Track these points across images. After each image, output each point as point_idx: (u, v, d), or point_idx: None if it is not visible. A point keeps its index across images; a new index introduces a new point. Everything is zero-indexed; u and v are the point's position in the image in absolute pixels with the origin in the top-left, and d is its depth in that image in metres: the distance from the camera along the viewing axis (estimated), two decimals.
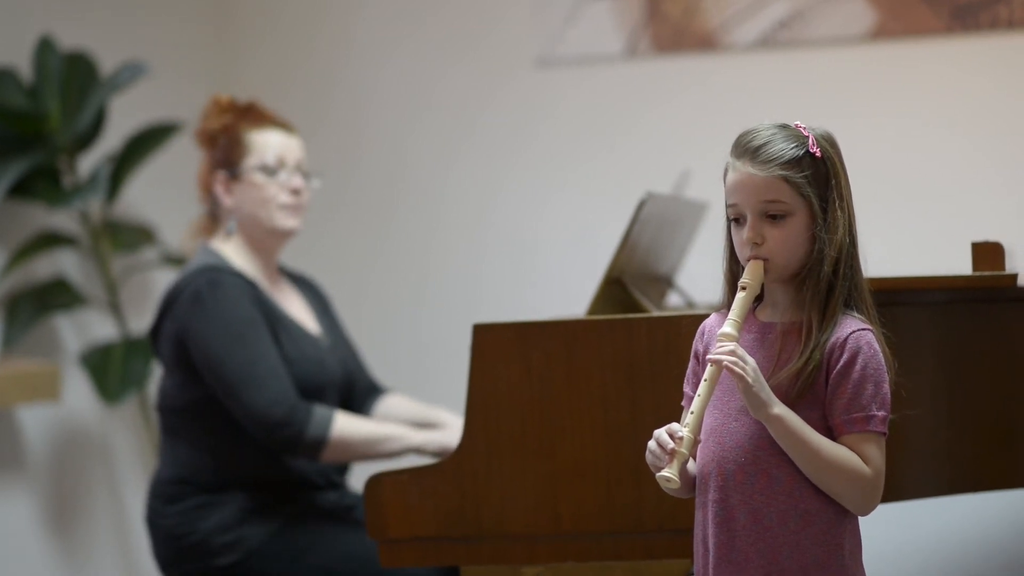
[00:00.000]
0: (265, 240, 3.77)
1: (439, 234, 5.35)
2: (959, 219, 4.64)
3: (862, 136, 4.55)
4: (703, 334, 2.53)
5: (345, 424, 3.58)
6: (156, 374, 4.78)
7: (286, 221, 3.75)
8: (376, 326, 5.21)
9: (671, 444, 2.36)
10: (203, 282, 3.61)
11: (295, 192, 3.75)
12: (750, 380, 2.34)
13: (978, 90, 4.69)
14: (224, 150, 3.75)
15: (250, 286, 3.66)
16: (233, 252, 3.75)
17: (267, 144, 3.75)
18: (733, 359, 2.34)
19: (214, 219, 3.80)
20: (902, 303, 2.79)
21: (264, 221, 3.74)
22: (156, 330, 3.71)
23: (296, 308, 3.84)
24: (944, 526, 3.26)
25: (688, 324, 2.61)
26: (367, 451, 3.61)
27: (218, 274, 3.63)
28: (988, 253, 2.91)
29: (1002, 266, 2.91)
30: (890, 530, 3.03)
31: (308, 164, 3.84)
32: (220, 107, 3.79)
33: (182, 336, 3.62)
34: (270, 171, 3.73)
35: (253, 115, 3.79)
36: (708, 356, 2.40)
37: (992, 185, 4.67)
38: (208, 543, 3.62)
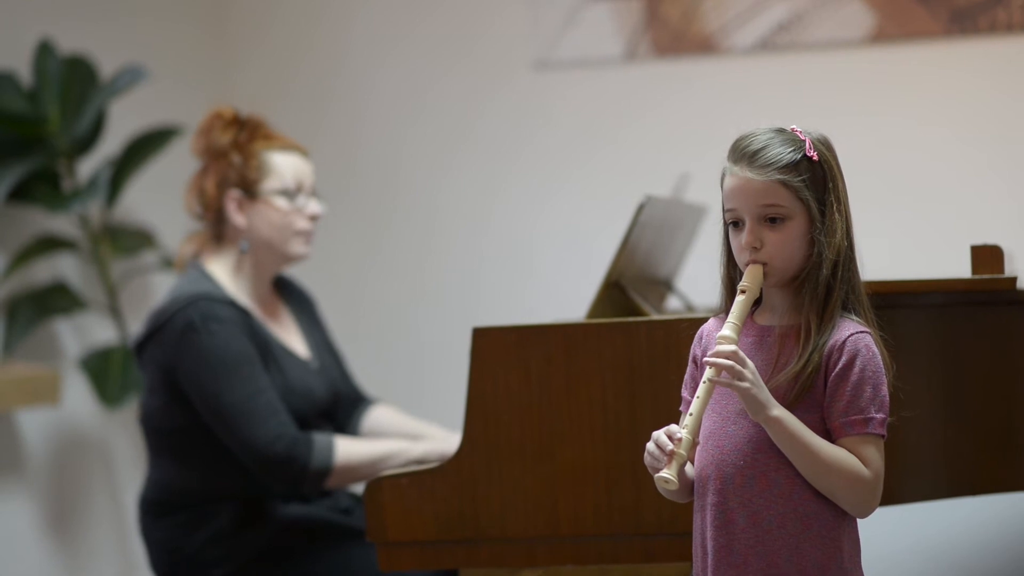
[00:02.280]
0: (272, 263, 3.72)
1: (437, 238, 5.35)
2: (958, 222, 4.65)
3: (861, 139, 4.55)
4: (701, 338, 2.53)
5: (347, 449, 3.54)
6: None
7: (300, 248, 3.71)
8: (374, 330, 5.21)
9: (670, 446, 2.37)
10: (195, 313, 3.53)
11: (312, 219, 3.72)
12: (748, 385, 2.34)
13: (977, 93, 4.69)
14: (239, 168, 3.66)
15: (243, 316, 3.59)
16: (227, 275, 3.68)
17: (286, 167, 3.69)
18: (730, 364, 2.35)
19: (217, 236, 3.72)
20: (901, 306, 2.80)
21: (278, 246, 3.68)
22: (141, 347, 3.63)
23: (287, 331, 3.78)
24: (943, 529, 3.26)
25: (687, 327, 2.61)
26: (371, 472, 3.53)
27: (210, 305, 3.55)
28: (987, 256, 2.91)
29: (1001, 269, 2.91)
30: (888, 533, 3.03)
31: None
32: (224, 120, 3.71)
33: (171, 366, 3.55)
34: (290, 195, 3.68)
35: (264, 134, 3.72)
36: (705, 359, 2.40)
37: (991, 188, 4.67)
38: (202, 556, 3.59)
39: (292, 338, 3.78)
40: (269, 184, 3.67)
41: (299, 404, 3.64)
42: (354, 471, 3.55)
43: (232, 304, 3.59)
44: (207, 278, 3.65)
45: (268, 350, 3.62)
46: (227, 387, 3.50)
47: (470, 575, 3.11)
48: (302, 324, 3.84)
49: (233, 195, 3.67)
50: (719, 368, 2.35)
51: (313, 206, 3.72)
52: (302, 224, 3.70)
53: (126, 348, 4.94)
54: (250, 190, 3.67)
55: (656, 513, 2.89)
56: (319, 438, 3.53)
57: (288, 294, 3.87)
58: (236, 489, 3.62)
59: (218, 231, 3.72)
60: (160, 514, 3.64)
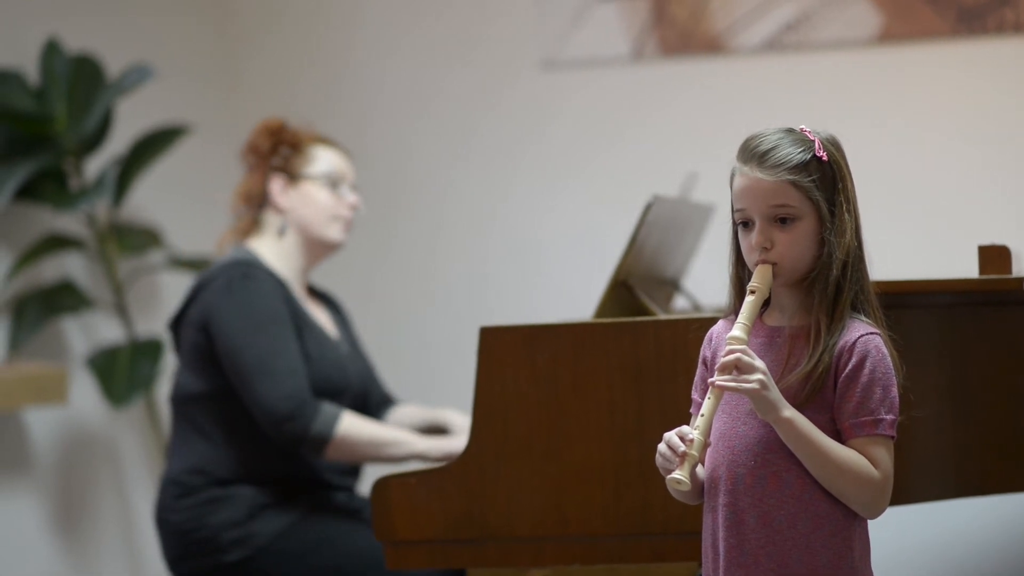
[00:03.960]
0: (310, 248, 3.83)
1: (444, 237, 5.35)
2: (965, 222, 4.64)
3: (868, 139, 4.55)
4: (711, 340, 2.53)
5: (351, 424, 3.60)
6: (164, 375, 4.79)
7: (338, 234, 3.83)
8: (382, 329, 5.21)
9: (682, 447, 2.37)
10: (236, 273, 3.66)
11: (353, 208, 3.85)
12: (757, 387, 2.34)
13: (984, 93, 4.69)
14: (285, 157, 3.82)
15: (281, 285, 3.71)
16: (270, 252, 3.80)
17: (330, 157, 3.85)
18: (737, 377, 2.35)
19: (255, 223, 3.84)
20: (908, 306, 2.79)
21: (318, 229, 3.81)
22: (179, 318, 3.75)
23: (320, 314, 3.89)
24: (950, 529, 3.27)
25: (696, 329, 2.61)
26: (371, 453, 3.64)
27: (251, 268, 3.68)
28: (995, 256, 2.91)
29: (1008, 269, 2.91)
30: (896, 533, 3.03)
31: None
32: (270, 129, 3.86)
33: (207, 321, 3.66)
34: (333, 182, 3.82)
35: (311, 134, 3.88)
36: (712, 378, 2.39)
37: (999, 188, 4.67)
38: (217, 539, 3.64)
39: (324, 321, 3.88)
40: (313, 168, 3.82)
41: (331, 373, 3.73)
42: (354, 447, 3.62)
43: (271, 273, 3.72)
44: (247, 252, 3.77)
45: (302, 319, 3.73)
46: (252, 342, 3.61)
47: (478, 574, 3.11)
48: (335, 321, 3.94)
49: (277, 179, 3.81)
50: (732, 364, 2.35)
51: (353, 196, 3.86)
52: (341, 210, 3.83)
53: (133, 347, 4.94)
54: (294, 173, 3.81)
55: (664, 513, 2.89)
56: (327, 407, 3.60)
57: (326, 302, 3.99)
58: (259, 468, 3.68)
59: (257, 217, 3.85)
60: (182, 493, 3.69)
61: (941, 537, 3.26)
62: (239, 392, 3.63)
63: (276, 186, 3.80)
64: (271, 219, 3.82)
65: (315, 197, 3.80)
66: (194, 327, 3.70)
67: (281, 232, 3.80)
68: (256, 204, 3.84)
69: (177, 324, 3.76)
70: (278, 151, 3.83)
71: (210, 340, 3.67)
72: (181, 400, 3.75)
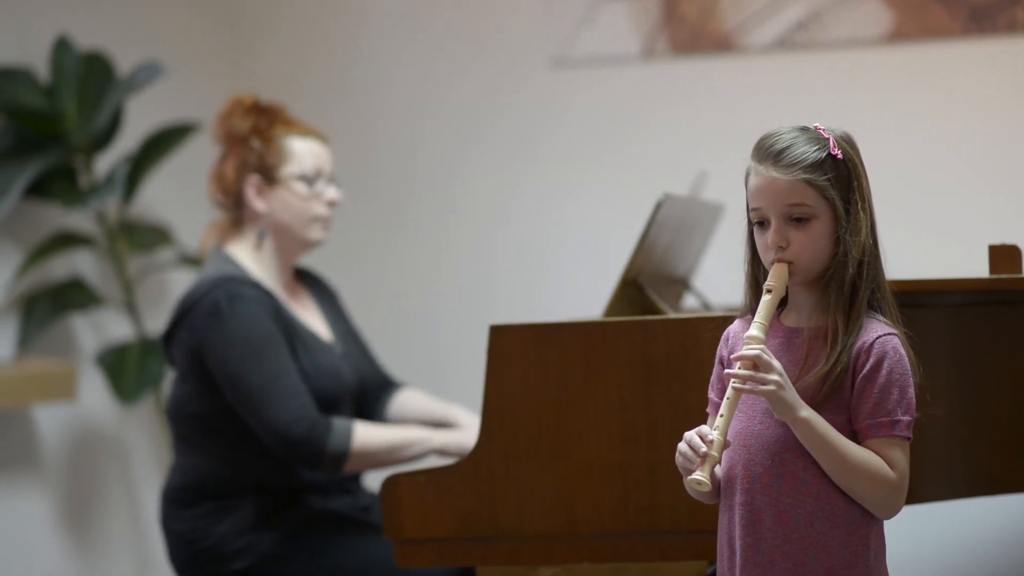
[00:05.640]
0: (291, 249, 3.76)
1: (452, 235, 5.35)
2: (975, 221, 4.64)
3: (878, 138, 4.52)
4: (727, 339, 2.53)
5: (365, 435, 3.57)
6: (170, 376, 4.79)
7: (318, 234, 3.75)
8: (389, 328, 5.21)
9: (703, 447, 2.36)
10: (222, 294, 3.57)
11: (330, 204, 3.76)
12: (774, 388, 2.34)
13: (995, 92, 4.68)
14: (259, 153, 3.71)
15: (268, 298, 3.63)
16: (251, 259, 3.72)
17: (306, 153, 3.73)
18: (750, 374, 2.34)
19: (236, 222, 3.76)
20: (919, 305, 2.79)
21: (297, 231, 3.72)
22: (169, 336, 3.68)
23: (310, 315, 3.82)
24: (961, 528, 3.26)
25: (709, 327, 2.61)
26: (389, 458, 3.60)
27: (237, 286, 3.59)
28: (1005, 256, 2.91)
29: (1019, 269, 2.91)
30: (907, 533, 3.02)
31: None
32: (243, 107, 3.75)
33: (199, 348, 3.59)
34: (309, 180, 3.72)
35: (284, 120, 3.76)
36: (726, 371, 2.39)
37: (1009, 187, 4.66)
38: (222, 548, 3.61)
39: (315, 323, 3.81)
40: (288, 169, 3.71)
41: (327, 385, 3.67)
42: (372, 457, 3.58)
43: (257, 286, 3.63)
44: (230, 262, 3.68)
45: (293, 332, 3.66)
46: (251, 367, 3.53)
47: (487, 572, 3.11)
48: (325, 312, 3.87)
49: (252, 180, 3.71)
50: (750, 362, 2.35)
51: (331, 192, 3.77)
52: (320, 210, 3.74)
53: (142, 344, 4.95)
54: (269, 175, 3.71)
55: (672, 511, 2.89)
56: (338, 422, 3.55)
57: (311, 284, 3.91)
58: (261, 480, 3.65)
59: (237, 216, 3.76)
60: (183, 505, 3.66)
61: (953, 536, 3.26)
62: (245, 420, 3.57)
63: (251, 189, 3.70)
64: (249, 221, 3.73)
65: (292, 201, 3.70)
66: (185, 350, 3.62)
67: (261, 239, 3.71)
68: (232, 199, 3.73)
69: (168, 340, 3.68)
70: (251, 144, 3.70)
71: (204, 365, 3.59)
72: (179, 417, 3.70)
